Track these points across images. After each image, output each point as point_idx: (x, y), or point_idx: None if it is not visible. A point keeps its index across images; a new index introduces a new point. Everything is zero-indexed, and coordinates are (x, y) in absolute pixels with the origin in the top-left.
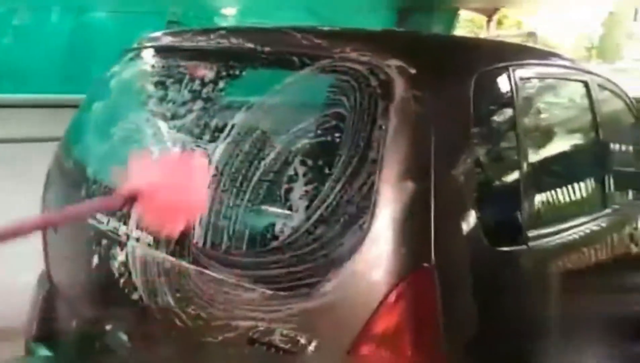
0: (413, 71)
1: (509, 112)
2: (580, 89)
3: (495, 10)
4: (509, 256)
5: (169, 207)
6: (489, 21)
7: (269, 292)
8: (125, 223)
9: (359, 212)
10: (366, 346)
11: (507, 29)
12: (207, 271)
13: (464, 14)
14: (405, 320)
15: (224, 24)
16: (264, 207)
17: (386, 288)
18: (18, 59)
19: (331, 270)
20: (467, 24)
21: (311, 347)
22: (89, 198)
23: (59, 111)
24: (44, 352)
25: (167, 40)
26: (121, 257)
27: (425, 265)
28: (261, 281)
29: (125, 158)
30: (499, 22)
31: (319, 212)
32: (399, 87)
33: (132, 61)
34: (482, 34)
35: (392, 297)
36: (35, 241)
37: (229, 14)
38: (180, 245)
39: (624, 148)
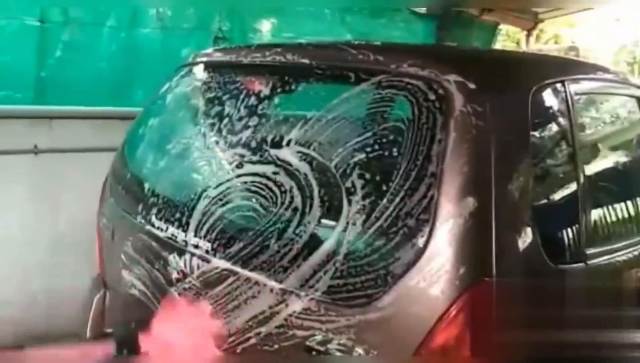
0: (472, 86)
1: (565, 126)
2: (633, 103)
3: (535, 24)
4: (568, 273)
5: None
6: (528, 35)
7: (328, 303)
8: (184, 230)
9: (419, 225)
10: (425, 359)
11: (545, 43)
12: (266, 280)
13: (502, 28)
14: (465, 334)
15: (264, 39)
16: (324, 220)
17: (447, 302)
18: (68, 72)
19: (390, 283)
20: (503, 38)
21: (368, 358)
22: (145, 210)
23: (107, 122)
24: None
25: (220, 56)
26: (179, 264)
27: (486, 279)
28: (320, 292)
29: (180, 172)
30: (537, 37)
31: (378, 224)
32: (459, 102)
33: (187, 77)
34: (522, 49)
35: (453, 311)
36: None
37: (267, 29)
38: (240, 253)
39: None
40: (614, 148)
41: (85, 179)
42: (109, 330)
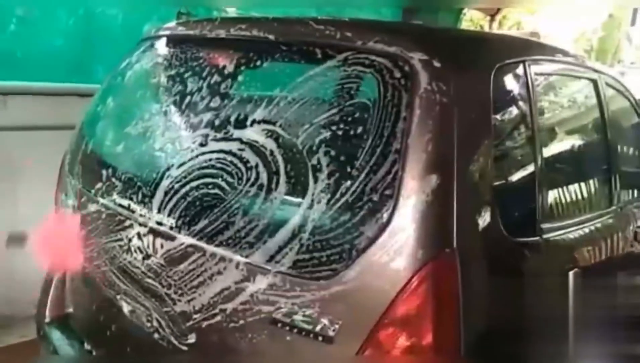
0: (437, 64)
1: (525, 106)
2: (589, 86)
3: (498, 10)
4: (524, 247)
5: None
6: (491, 21)
7: (293, 277)
8: (147, 207)
9: (383, 201)
10: (388, 329)
11: (508, 29)
12: (231, 256)
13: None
14: (427, 304)
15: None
16: (290, 196)
17: (409, 273)
18: (23, 47)
19: (354, 257)
20: (467, 24)
21: (333, 329)
22: (106, 188)
23: (64, 99)
24: (57, 333)
25: (183, 30)
26: (139, 238)
27: (447, 250)
28: (286, 267)
29: (142, 149)
30: (500, 23)
31: (343, 200)
32: (424, 80)
33: (148, 52)
34: None
35: (414, 281)
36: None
37: (235, 7)
38: (205, 229)
39: (629, 147)
40: (570, 130)
41: (41, 157)
42: (69, 311)
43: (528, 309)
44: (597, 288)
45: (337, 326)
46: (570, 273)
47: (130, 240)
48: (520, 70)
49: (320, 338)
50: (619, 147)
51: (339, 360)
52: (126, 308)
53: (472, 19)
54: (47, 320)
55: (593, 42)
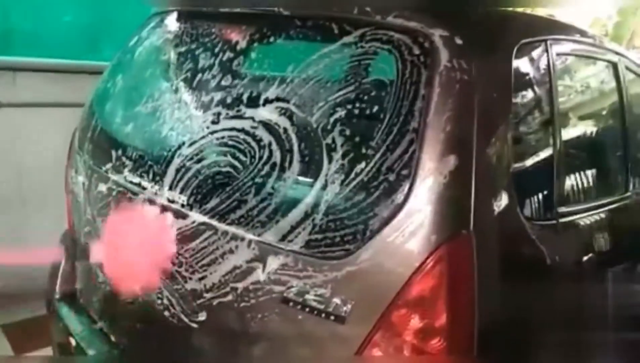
0: (459, 41)
1: (546, 87)
2: (609, 68)
3: None
4: (541, 230)
5: None
6: None
7: (306, 256)
8: (158, 183)
9: (399, 181)
10: (401, 310)
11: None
12: (244, 234)
13: None
14: (441, 285)
15: None
16: (304, 175)
17: (424, 254)
18: (34, 24)
19: (368, 237)
20: None
21: (345, 309)
22: (117, 165)
23: (75, 76)
24: (66, 310)
25: (194, 3)
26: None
27: (464, 232)
28: (298, 247)
29: (153, 126)
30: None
31: (357, 180)
32: (444, 57)
33: (158, 28)
34: None
35: (429, 263)
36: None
37: None
38: (217, 207)
39: None
40: (589, 113)
41: (50, 134)
42: (79, 287)
43: (543, 294)
44: (612, 274)
45: (349, 306)
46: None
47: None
48: (541, 49)
49: (332, 318)
50: (636, 132)
51: (351, 339)
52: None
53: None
54: (57, 296)
55: (608, 27)
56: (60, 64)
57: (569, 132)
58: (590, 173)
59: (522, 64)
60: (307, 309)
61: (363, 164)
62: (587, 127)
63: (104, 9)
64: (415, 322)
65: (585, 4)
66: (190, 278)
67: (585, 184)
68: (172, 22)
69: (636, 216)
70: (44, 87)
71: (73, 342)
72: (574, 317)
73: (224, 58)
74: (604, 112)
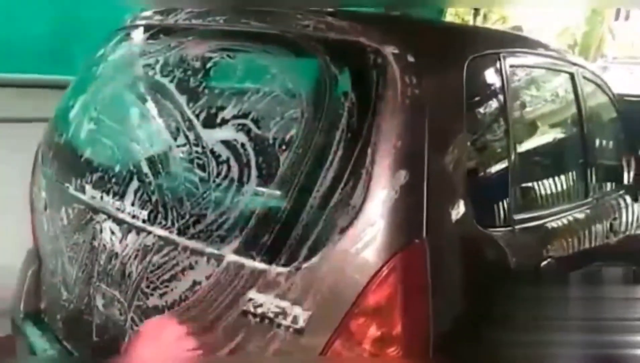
0: (410, 58)
1: (499, 98)
2: (567, 79)
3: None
4: (497, 237)
5: None
6: (475, 15)
7: (263, 269)
8: (120, 198)
9: (353, 192)
10: (358, 319)
11: (493, 24)
12: (202, 248)
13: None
14: (396, 294)
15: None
16: (258, 188)
17: (378, 263)
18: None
19: (324, 247)
20: (452, 18)
21: (303, 319)
22: (79, 180)
23: (40, 91)
24: (32, 328)
25: (159, 18)
26: (114, 232)
27: (417, 241)
28: (256, 256)
29: (116, 141)
30: (485, 17)
31: (314, 192)
32: (396, 74)
33: (123, 41)
34: None
35: (384, 272)
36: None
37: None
38: (176, 221)
39: (605, 140)
40: (545, 122)
41: (15, 150)
42: (43, 305)
43: (499, 300)
44: (569, 279)
45: (307, 316)
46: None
47: (102, 233)
48: (494, 62)
49: (290, 329)
50: (596, 140)
51: (311, 349)
52: (99, 302)
53: (457, 14)
54: (21, 314)
55: (577, 36)
56: (26, 78)
57: (525, 142)
58: (548, 180)
59: (474, 78)
60: (267, 321)
61: (319, 177)
62: (545, 136)
63: (72, 21)
64: (373, 331)
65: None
66: (152, 294)
67: (543, 192)
68: (136, 37)
69: (597, 222)
70: (7, 101)
71: (37, 360)
72: (531, 323)
73: (186, 73)
74: (562, 122)
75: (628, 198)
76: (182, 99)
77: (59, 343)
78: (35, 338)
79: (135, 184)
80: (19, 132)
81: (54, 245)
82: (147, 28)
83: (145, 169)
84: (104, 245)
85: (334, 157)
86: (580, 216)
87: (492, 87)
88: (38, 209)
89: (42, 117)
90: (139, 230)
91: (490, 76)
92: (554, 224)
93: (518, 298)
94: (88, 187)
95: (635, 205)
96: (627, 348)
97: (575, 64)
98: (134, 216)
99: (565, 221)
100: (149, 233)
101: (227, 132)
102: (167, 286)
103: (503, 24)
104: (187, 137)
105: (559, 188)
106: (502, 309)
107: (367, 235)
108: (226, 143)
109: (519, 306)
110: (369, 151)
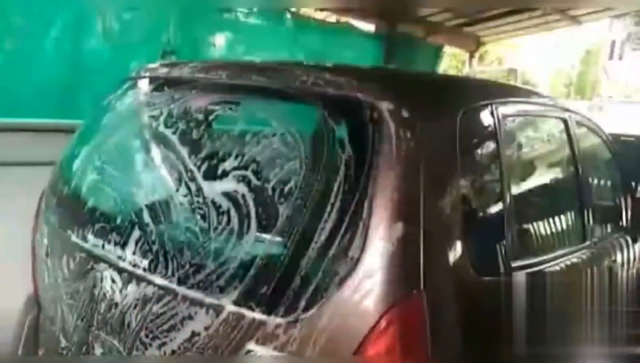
0: (405, 113)
1: (492, 147)
2: (559, 125)
3: (478, 46)
4: (494, 285)
5: None
6: (471, 57)
7: (263, 320)
8: (121, 247)
9: (350, 245)
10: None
11: (489, 65)
12: (202, 298)
13: (447, 49)
14: (395, 344)
15: (216, 53)
16: (259, 239)
17: (377, 315)
18: (9, 83)
19: (323, 299)
20: (450, 58)
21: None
22: (81, 227)
23: (48, 135)
24: None
25: (164, 71)
26: (115, 281)
27: (414, 292)
28: (255, 307)
29: (119, 189)
30: (481, 58)
31: (313, 244)
32: (391, 128)
33: (130, 91)
34: (465, 69)
35: (382, 323)
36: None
37: (219, 43)
38: (177, 271)
39: (601, 182)
40: (540, 168)
41: (21, 194)
42: (41, 352)
43: (496, 347)
44: (570, 322)
45: None
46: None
47: (103, 282)
48: (487, 113)
49: None
50: (591, 182)
51: None
52: (98, 351)
53: (455, 55)
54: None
55: (572, 77)
56: (34, 123)
57: (520, 189)
58: (544, 226)
59: (467, 128)
60: None
61: (317, 229)
62: (540, 182)
63: (79, 68)
64: None
65: (550, 54)
66: (151, 344)
67: (539, 238)
68: (143, 87)
69: (596, 265)
70: (17, 145)
71: None
72: None
73: (190, 124)
74: (557, 166)
75: (628, 239)
76: (184, 151)
77: None
78: None
79: (136, 233)
80: (28, 175)
81: (54, 292)
82: (152, 80)
83: (147, 218)
84: (104, 294)
85: (331, 209)
86: (579, 260)
87: (486, 138)
88: (39, 255)
89: (51, 161)
90: (140, 279)
91: (483, 127)
92: (552, 270)
93: (512, 343)
94: (90, 236)
95: (636, 246)
96: None
97: (567, 110)
98: (134, 265)
99: (563, 266)
100: (149, 282)
101: (227, 184)
102: (166, 336)
103: (499, 65)
104: (188, 187)
105: (555, 233)
106: (499, 357)
107: (366, 287)
108: (227, 194)
109: (514, 352)
110: (366, 203)
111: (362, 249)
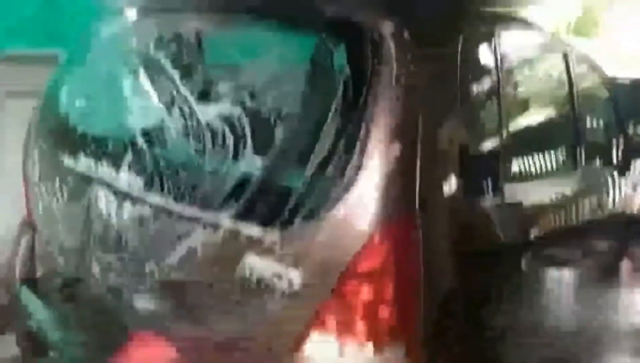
0: (406, 35)
1: (493, 74)
2: (559, 60)
3: None
4: (486, 207)
5: None
6: None
7: (259, 233)
8: (115, 169)
9: (347, 162)
10: (350, 283)
11: None
12: (198, 215)
13: None
14: (389, 260)
15: None
16: (255, 156)
17: (372, 231)
18: None
19: (320, 215)
20: None
21: (298, 282)
22: (74, 151)
23: (32, 66)
24: (28, 295)
25: None
26: (110, 201)
27: (410, 211)
28: (252, 224)
29: (110, 111)
30: None
31: (310, 162)
32: (391, 50)
33: (117, 17)
34: None
35: (377, 239)
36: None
37: None
38: (173, 190)
39: (595, 119)
40: (539, 100)
41: (9, 124)
42: (39, 273)
43: (487, 269)
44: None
45: (302, 280)
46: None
47: (98, 202)
48: (489, 40)
49: (286, 292)
50: (587, 119)
51: (305, 312)
52: (96, 269)
53: None
54: (17, 283)
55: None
56: (19, 53)
57: (517, 118)
58: (538, 156)
59: (469, 54)
60: (262, 285)
61: (314, 148)
62: (537, 113)
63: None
64: (365, 295)
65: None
66: (149, 261)
67: (533, 167)
68: (132, 13)
69: (584, 197)
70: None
71: (34, 325)
72: (517, 291)
73: (182, 44)
74: (554, 100)
75: (616, 175)
76: (176, 75)
77: (55, 309)
78: (32, 304)
79: (130, 155)
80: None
81: (49, 215)
82: (141, 4)
83: (140, 141)
84: (100, 214)
85: (329, 129)
86: (569, 191)
87: (486, 64)
88: (32, 180)
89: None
90: (135, 199)
91: (485, 53)
92: (542, 197)
93: (503, 267)
94: (83, 158)
95: (622, 181)
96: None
97: (568, 45)
98: (130, 185)
99: (553, 195)
100: (145, 201)
101: (222, 106)
102: (163, 254)
103: None
104: (181, 110)
105: (548, 164)
106: (490, 280)
107: (361, 204)
108: (222, 116)
109: (506, 279)
110: (364, 123)
111: (359, 168)
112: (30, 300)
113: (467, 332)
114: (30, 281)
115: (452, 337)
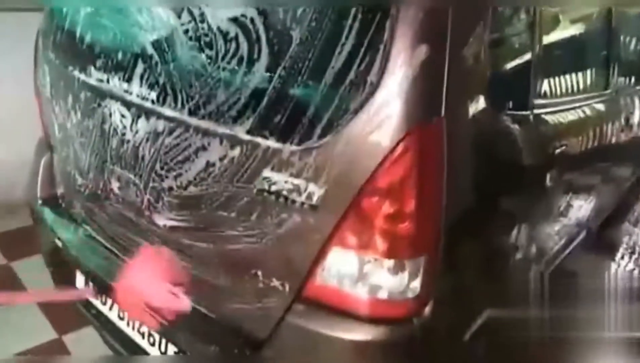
0: None
1: None
2: None
3: None
4: (514, 121)
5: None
6: None
7: (277, 148)
8: (127, 81)
9: (369, 68)
10: (371, 197)
11: None
12: (214, 128)
13: None
14: (411, 171)
15: None
16: (271, 67)
17: (393, 142)
18: None
19: (339, 125)
20: None
21: (317, 197)
22: (84, 63)
23: None
24: (50, 214)
25: None
26: (124, 115)
27: (435, 118)
28: (269, 136)
29: (121, 22)
30: None
31: (329, 71)
32: None
33: None
34: None
35: (398, 150)
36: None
37: None
38: (187, 102)
39: (631, 36)
40: (572, 16)
41: (17, 43)
42: (60, 191)
43: (513, 183)
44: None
45: (321, 194)
46: None
47: (112, 117)
48: None
49: (305, 206)
50: (621, 36)
51: (324, 226)
52: (115, 185)
53: None
54: (39, 202)
55: None
56: None
57: (550, 33)
58: (569, 70)
59: None
60: (281, 198)
61: (334, 54)
62: (571, 29)
63: None
64: (385, 208)
65: None
66: (167, 176)
67: (563, 82)
68: None
69: (613, 114)
70: None
71: (60, 244)
72: (541, 208)
73: None
74: (589, 15)
75: None
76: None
77: (78, 226)
78: (54, 224)
79: (141, 66)
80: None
81: (64, 132)
82: None
83: (150, 50)
84: (115, 129)
85: (349, 31)
86: (598, 107)
87: None
88: (45, 96)
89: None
90: (149, 112)
91: None
92: (571, 112)
93: (530, 181)
94: (93, 71)
95: None
96: None
97: None
98: (143, 98)
99: (582, 112)
100: (159, 115)
101: (236, 10)
102: (181, 168)
103: None
104: (191, 14)
105: (579, 79)
106: (514, 192)
107: (384, 112)
108: (234, 19)
109: (529, 190)
110: (388, 24)
111: (382, 73)
112: (52, 219)
113: (486, 247)
114: (52, 200)
115: (472, 252)
